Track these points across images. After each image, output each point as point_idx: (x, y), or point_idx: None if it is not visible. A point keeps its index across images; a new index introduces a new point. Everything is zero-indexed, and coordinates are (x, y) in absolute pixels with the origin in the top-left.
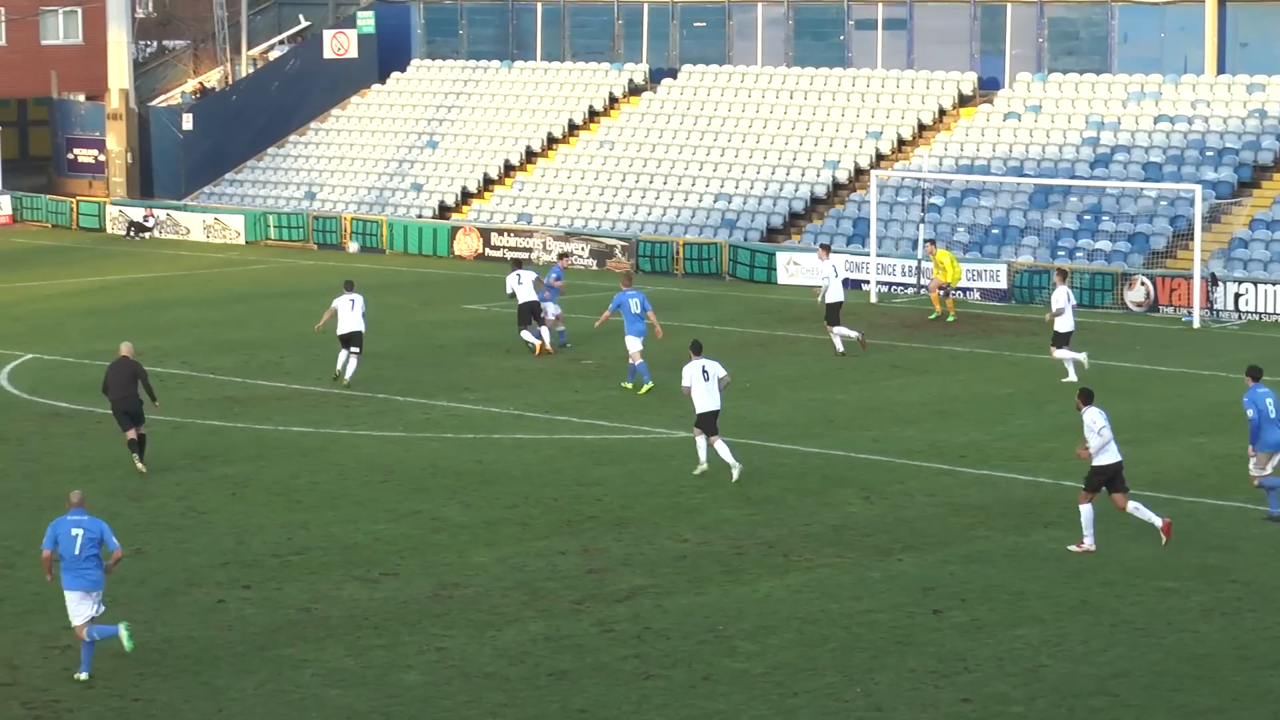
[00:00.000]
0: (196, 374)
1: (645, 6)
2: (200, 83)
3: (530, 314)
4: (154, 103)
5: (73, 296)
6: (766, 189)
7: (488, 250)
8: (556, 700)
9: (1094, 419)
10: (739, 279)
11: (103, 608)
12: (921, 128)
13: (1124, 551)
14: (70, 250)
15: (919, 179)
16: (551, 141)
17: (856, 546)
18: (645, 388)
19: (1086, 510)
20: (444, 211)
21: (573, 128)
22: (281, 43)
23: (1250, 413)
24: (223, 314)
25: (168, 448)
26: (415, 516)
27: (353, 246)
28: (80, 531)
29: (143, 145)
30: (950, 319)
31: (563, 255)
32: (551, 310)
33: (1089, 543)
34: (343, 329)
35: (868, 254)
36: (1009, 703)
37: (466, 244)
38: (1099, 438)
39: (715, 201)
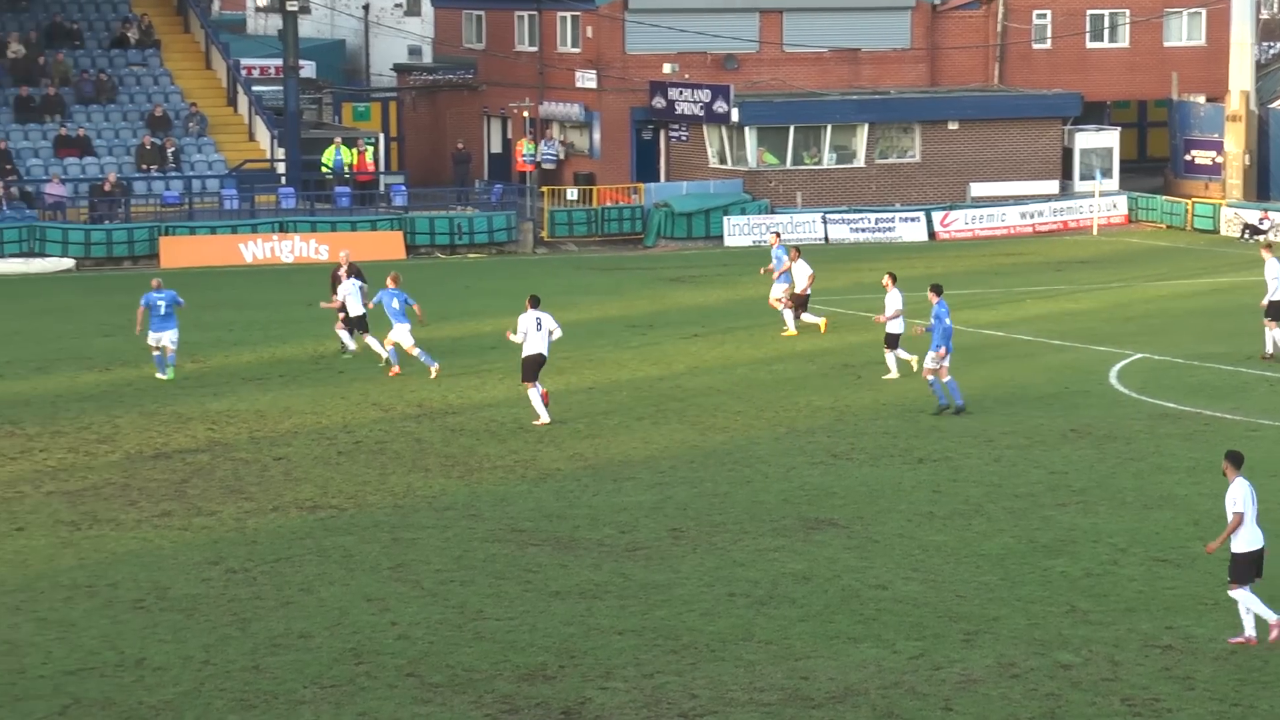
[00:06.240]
0: None
1: None
2: None
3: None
4: (1274, 105)
5: (1185, 298)
6: None
7: None
8: None
9: None
10: None
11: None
12: None
13: None
14: (1183, 252)
15: None
16: None
17: None
18: None
19: None
20: None
21: None
22: None
23: (947, 320)
24: None
25: None
26: None
27: None
28: (163, 301)
29: (1260, 148)
30: None
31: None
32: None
33: None
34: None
35: None
36: None
37: None
38: None
39: None
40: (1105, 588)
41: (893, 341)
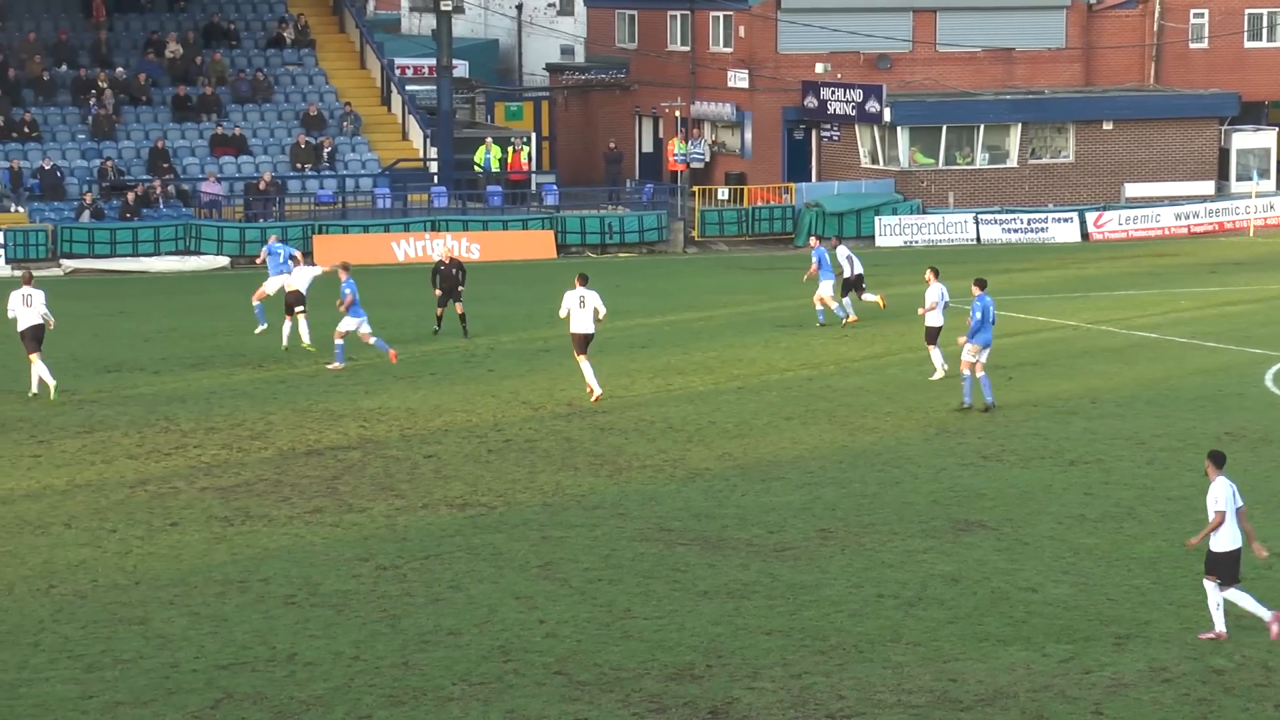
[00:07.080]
0: None
1: None
2: None
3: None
4: None
5: None
6: None
7: None
8: None
9: None
10: None
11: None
12: None
13: None
14: None
15: None
16: None
17: None
18: None
19: None
20: None
21: None
22: None
23: (977, 315)
24: None
25: None
26: None
27: None
28: (282, 250)
29: None
30: None
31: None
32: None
33: None
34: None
35: None
36: None
37: None
38: None
39: None
40: (1259, 592)
41: (932, 335)
